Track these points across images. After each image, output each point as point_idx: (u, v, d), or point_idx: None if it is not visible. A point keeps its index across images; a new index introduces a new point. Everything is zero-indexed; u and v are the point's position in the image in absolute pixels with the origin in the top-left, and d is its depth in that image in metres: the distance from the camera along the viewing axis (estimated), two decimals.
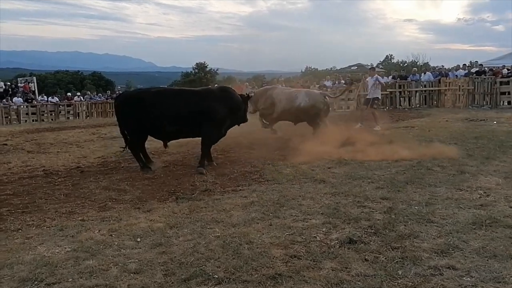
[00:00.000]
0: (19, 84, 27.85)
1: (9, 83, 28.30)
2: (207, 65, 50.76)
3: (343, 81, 19.52)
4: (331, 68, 50.91)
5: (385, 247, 3.24)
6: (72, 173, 6.77)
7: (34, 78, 30.13)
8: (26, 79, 29.66)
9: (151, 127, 6.64)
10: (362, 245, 3.29)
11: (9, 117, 21.01)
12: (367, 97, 12.07)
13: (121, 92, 10.67)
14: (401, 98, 18.04)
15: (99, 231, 3.76)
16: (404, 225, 3.70)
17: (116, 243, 3.44)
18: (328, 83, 19.95)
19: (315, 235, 3.53)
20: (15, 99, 22.83)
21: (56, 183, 5.98)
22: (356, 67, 27.33)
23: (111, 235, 3.63)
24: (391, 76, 18.83)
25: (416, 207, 4.18)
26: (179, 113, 6.56)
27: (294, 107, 9.83)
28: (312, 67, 59.84)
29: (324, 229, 3.66)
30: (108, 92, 30.42)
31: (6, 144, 11.29)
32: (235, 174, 6.21)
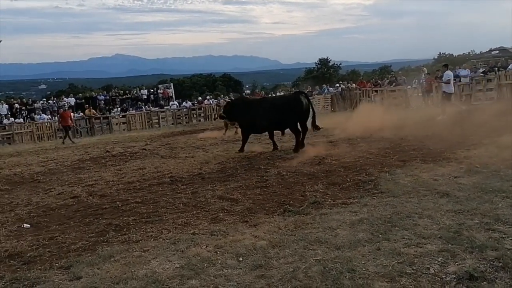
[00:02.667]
0: (159, 91, 31.02)
1: (152, 90, 31.71)
2: (330, 60, 50.05)
3: (481, 70, 17.39)
4: (469, 53, 45.99)
5: None
6: (194, 180, 7.21)
7: (171, 84, 33.18)
8: (166, 86, 32.86)
9: None
10: (485, 283, 2.83)
11: (150, 122, 23.50)
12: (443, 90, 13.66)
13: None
14: None
15: (206, 246, 3.90)
16: None
17: (219, 261, 3.53)
18: (463, 72, 17.96)
19: (428, 265, 3.15)
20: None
21: (179, 191, 6.44)
22: (497, 51, 24.11)
23: (216, 252, 3.74)
24: None
25: None
26: None
27: None
28: (446, 53, 54.85)
29: (440, 259, 3.25)
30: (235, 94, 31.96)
31: (145, 149, 12.62)
32: (348, 184, 5.94)
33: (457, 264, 3.13)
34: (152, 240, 4.24)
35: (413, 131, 10.50)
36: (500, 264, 3.06)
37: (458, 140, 8.57)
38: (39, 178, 8.92)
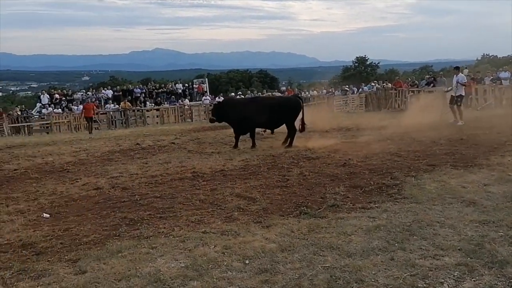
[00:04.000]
0: (194, 86, 31.35)
1: (186, 85, 32.11)
2: (367, 58, 48.99)
3: None
4: None
5: None
6: (215, 176, 7.17)
7: (206, 79, 33.52)
8: (201, 80, 33.18)
9: None
10: None
11: (183, 116, 23.76)
12: (452, 94, 12.91)
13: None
14: None
15: (214, 246, 3.83)
16: None
17: (225, 263, 3.45)
18: (504, 75, 17.11)
19: (442, 280, 2.96)
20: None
21: (198, 187, 6.41)
22: None
23: (223, 253, 3.67)
24: None
25: None
26: None
27: None
28: (490, 54, 52.57)
29: (456, 273, 3.04)
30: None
31: (174, 143, 12.70)
32: (371, 187, 5.73)
33: (474, 280, 2.92)
34: (162, 237, 4.21)
35: (447, 134, 10.09)
36: None
37: (493, 145, 8.16)
38: (68, 168, 9.14)
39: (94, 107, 19.58)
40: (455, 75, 13.13)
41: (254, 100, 12.39)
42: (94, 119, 19.29)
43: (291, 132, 10.33)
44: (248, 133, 10.61)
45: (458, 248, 3.46)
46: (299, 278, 3.11)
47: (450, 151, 7.93)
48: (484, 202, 4.65)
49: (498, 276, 2.94)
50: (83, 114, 19.24)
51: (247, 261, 3.47)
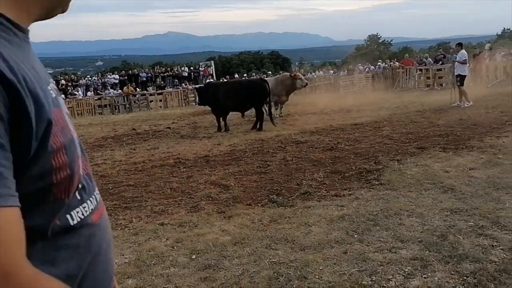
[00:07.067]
0: (200, 69, 31.10)
1: (192, 68, 31.89)
2: (380, 36, 47.88)
3: None
4: None
5: None
6: (197, 163, 7.00)
7: (212, 62, 33.15)
8: (206, 64, 32.86)
9: None
10: None
11: (187, 99, 23.57)
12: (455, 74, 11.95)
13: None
14: None
15: (166, 240, 3.66)
16: None
17: (170, 259, 3.26)
18: None
19: (390, 276, 2.72)
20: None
21: (175, 174, 6.24)
22: None
23: (173, 247, 3.49)
24: None
25: None
26: None
27: None
28: (511, 29, 51.00)
29: (408, 269, 2.80)
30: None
31: (169, 128, 12.56)
32: (351, 172, 5.48)
33: (424, 277, 2.67)
34: (119, 229, 4.04)
35: (446, 115, 9.70)
36: (475, 280, 2.56)
37: (492, 126, 7.78)
38: None
39: None
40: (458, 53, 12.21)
41: (223, 85, 12.60)
42: None
43: (259, 116, 10.40)
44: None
45: (419, 240, 3.21)
46: (240, 276, 2.91)
47: (444, 133, 7.58)
48: (463, 188, 4.36)
49: (452, 272, 2.68)
50: None
51: (193, 256, 3.28)
